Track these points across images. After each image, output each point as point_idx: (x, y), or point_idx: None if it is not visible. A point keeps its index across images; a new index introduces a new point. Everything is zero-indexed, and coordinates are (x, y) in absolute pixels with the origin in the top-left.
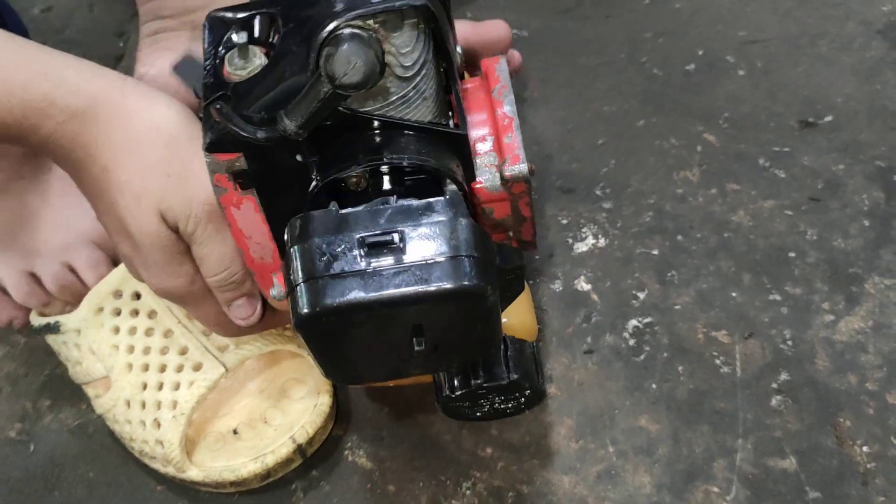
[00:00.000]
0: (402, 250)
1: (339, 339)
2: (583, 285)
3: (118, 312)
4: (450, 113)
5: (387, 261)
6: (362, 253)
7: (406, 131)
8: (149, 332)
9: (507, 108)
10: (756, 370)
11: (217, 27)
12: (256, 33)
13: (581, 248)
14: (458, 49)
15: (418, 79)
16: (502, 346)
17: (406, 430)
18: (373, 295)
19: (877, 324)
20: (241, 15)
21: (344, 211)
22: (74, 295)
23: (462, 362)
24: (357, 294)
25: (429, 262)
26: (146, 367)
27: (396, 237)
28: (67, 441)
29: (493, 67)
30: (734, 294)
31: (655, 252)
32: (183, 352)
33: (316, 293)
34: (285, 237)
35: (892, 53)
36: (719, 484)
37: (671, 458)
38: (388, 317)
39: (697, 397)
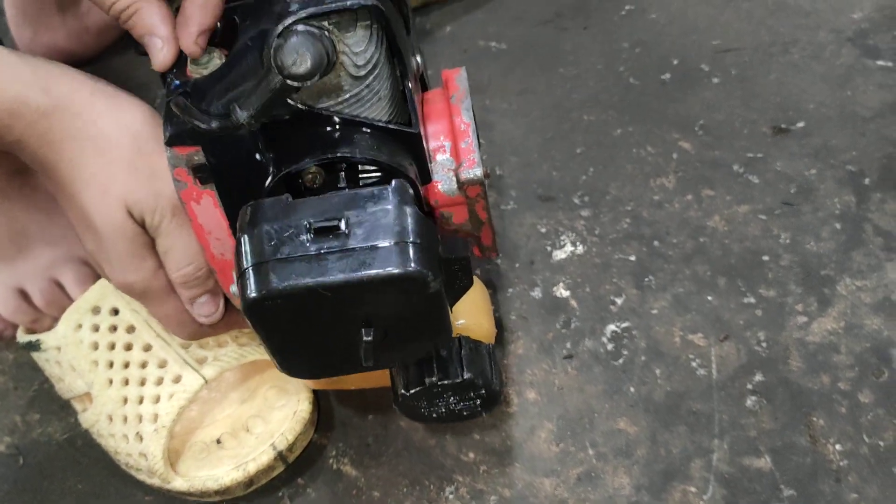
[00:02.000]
0: (347, 235)
1: (288, 326)
2: (562, 292)
3: (97, 328)
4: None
5: (333, 245)
6: (309, 238)
7: (360, 128)
8: (128, 347)
9: (465, 115)
10: (731, 372)
11: None
12: (217, 36)
13: (560, 255)
14: (419, 58)
15: (371, 78)
16: (458, 346)
17: (390, 437)
18: (319, 279)
19: (848, 325)
20: None
21: (290, 200)
22: (62, 311)
23: (414, 356)
24: (303, 277)
25: (373, 246)
26: (126, 382)
27: (342, 223)
28: (56, 454)
29: (454, 77)
30: (710, 298)
31: (633, 258)
32: (162, 365)
33: (263, 277)
34: (237, 225)
35: (863, 60)
36: (696, 484)
37: (649, 459)
38: (334, 301)
39: (674, 399)
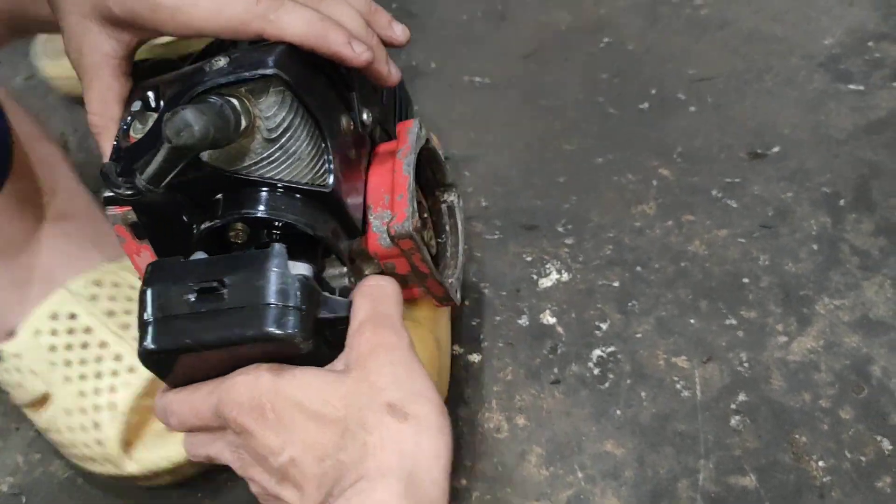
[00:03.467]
0: (223, 297)
1: (182, 373)
2: (548, 319)
3: (55, 332)
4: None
5: (211, 306)
6: (192, 298)
7: (270, 188)
8: (84, 346)
9: (405, 169)
10: (715, 392)
11: (132, 98)
12: (152, 102)
13: (546, 283)
14: (366, 115)
15: (284, 139)
16: None
17: None
18: (195, 337)
19: (828, 343)
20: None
21: (186, 259)
22: None
23: None
24: (181, 336)
25: (245, 307)
26: (83, 377)
27: (222, 284)
28: (57, 493)
29: (405, 130)
30: (692, 320)
31: (616, 284)
32: (118, 357)
33: (151, 333)
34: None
35: (835, 84)
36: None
37: (637, 480)
38: (213, 356)
39: (660, 421)
